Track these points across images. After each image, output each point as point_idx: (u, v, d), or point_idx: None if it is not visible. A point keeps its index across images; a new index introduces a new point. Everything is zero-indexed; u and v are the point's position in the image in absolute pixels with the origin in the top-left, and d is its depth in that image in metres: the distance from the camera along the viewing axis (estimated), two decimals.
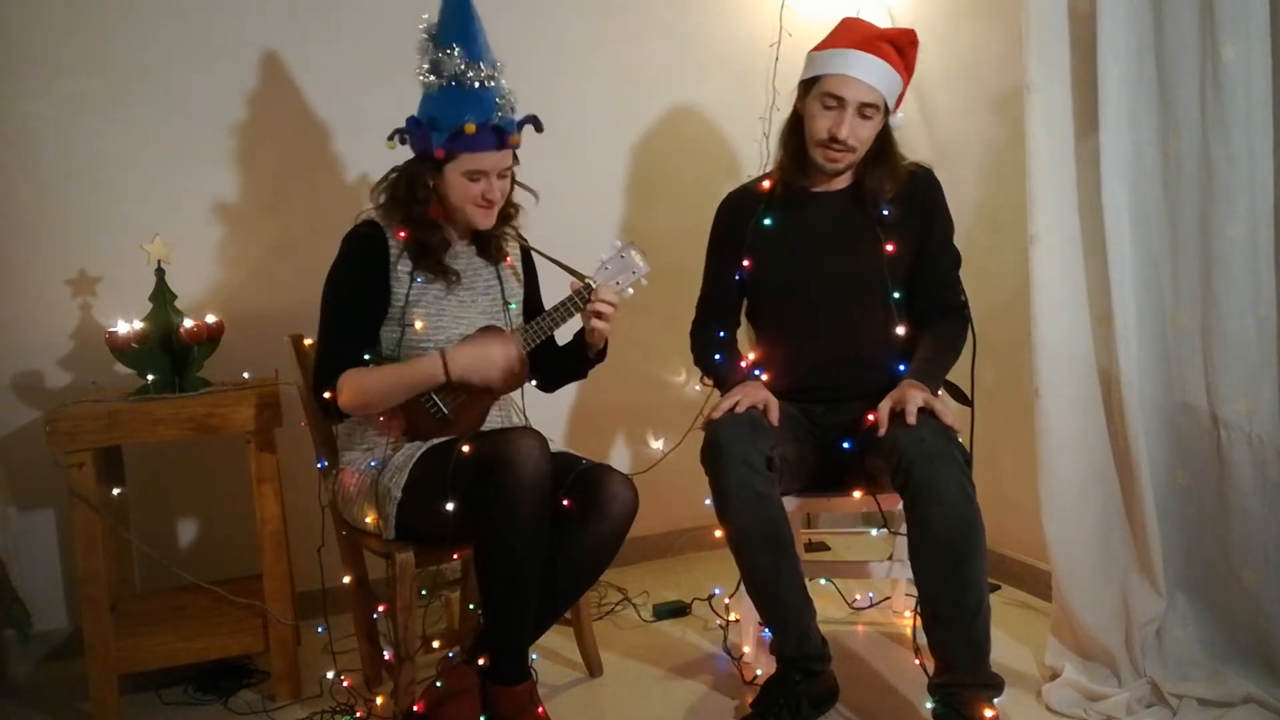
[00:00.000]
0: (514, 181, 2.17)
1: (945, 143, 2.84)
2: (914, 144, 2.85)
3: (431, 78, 2.05)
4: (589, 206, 3.00)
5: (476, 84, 2.03)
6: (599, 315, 2.12)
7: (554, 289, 2.23)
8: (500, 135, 2.04)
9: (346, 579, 2.26)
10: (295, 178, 2.70)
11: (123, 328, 2.28)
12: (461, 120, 2.00)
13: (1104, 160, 2.03)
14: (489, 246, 2.22)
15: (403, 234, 2.09)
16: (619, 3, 2.99)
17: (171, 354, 2.30)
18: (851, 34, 2.15)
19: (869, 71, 2.09)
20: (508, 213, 2.20)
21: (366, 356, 2.07)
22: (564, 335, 2.23)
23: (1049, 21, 2.09)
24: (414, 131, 2.07)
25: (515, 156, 2.13)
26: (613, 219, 3.02)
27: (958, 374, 2.22)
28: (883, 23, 2.83)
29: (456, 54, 2.02)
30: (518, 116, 2.09)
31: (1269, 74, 1.89)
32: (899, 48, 2.14)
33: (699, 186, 3.02)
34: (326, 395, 2.03)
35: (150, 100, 2.56)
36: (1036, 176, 2.12)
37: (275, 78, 2.64)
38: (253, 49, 2.62)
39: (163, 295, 2.32)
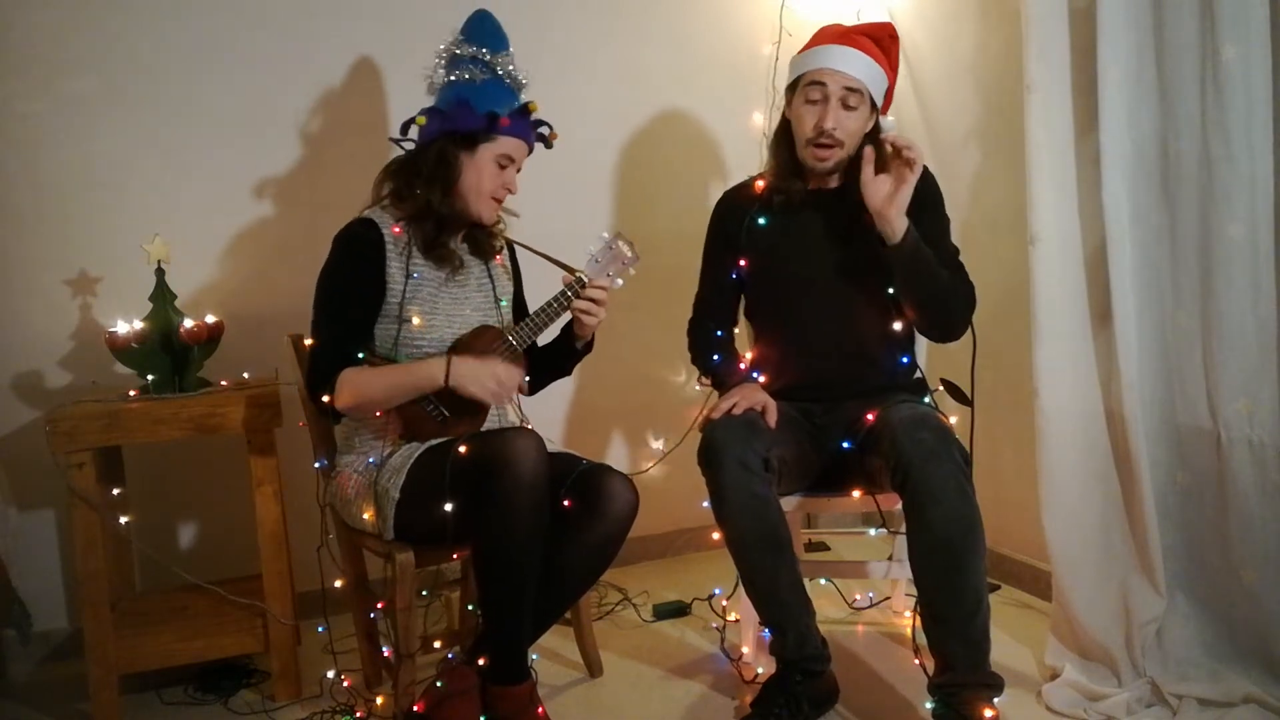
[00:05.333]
0: None
1: (945, 143, 2.84)
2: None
3: (471, 71, 2.06)
4: (588, 207, 3.00)
5: (514, 85, 2.11)
6: (593, 305, 2.11)
7: (541, 285, 2.22)
8: (537, 129, 2.12)
9: (339, 583, 2.26)
10: (296, 178, 2.70)
11: (123, 328, 2.28)
12: (513, 104, 2.07)
13: (1104, 160, 2.03)
14: (481, 243, 2.22)
15: (397, 229, 2.08)
16: (618, 4, 2.99)
17: (171, 354, 2.29)
18: (827, 33, 2.22)
19: (847, 62, 2.13)
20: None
21: (360, 355, 2.06)
22: (547, 334, 2.21)
23: (1049, 21, 2.10)
24: (456, 109, 2.05)
25: None
26: (612, 219, 3.02)
27: (958, 374, 2.22)
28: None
29: (491, 53, 2.08)
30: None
31: (1269, 74, 1.89)
32: (877, 40, 2.19)
33: (698, 187, 3.03)
34: (325, 399, 2.03)
35: (150, 100, 2.56)
36: (1036, 176, 2.13)
37: (275, 78, 2.64)
38: (253, 49, 2.62)
39: (163, 295, 2.32)
